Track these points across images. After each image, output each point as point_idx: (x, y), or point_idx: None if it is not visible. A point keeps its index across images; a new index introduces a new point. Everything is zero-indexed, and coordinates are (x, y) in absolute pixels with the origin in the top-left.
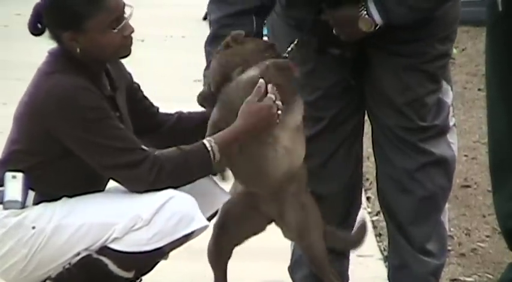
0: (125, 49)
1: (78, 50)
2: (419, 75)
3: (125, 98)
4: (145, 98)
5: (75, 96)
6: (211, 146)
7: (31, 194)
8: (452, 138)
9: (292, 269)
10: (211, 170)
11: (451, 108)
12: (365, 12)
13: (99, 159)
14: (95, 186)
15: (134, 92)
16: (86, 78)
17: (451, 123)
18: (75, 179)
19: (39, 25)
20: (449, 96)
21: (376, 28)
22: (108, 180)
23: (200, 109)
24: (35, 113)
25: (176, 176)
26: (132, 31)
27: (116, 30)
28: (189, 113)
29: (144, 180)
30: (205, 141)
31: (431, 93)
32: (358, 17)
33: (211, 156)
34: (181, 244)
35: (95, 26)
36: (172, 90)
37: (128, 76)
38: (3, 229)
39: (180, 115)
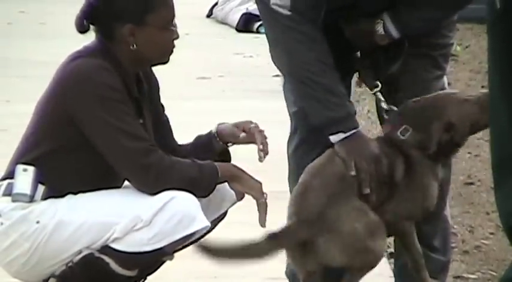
0: (169, 54)
1: (134, 45)
2: (426, 61)
3: (149, 111)
4: (171, 133)
5: (97, 74)
6: (219, 173)
7: (40, 188)
8: None
9: None
10: (209, 194)
11: None
12: (382, 29)
13: (109, 140)
14: (107, 184)
15: (162, 119)
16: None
17: None
18: (88, 174)
19: (85, 21)
20: (446, 84)
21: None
22: (123, 180)
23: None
24: (56, 95)
25: (182, 181)
26: (178, 37)
27: (172, 29)
28: (206, 140)
29: (150, 172)
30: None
31: (436, 79)
32: (374, 32)
33: (217, 181)
34: (183, 244)
35: (157, 21)
36: (176, 88)
37: (158, 97)
38: (9, 221)
39: (194, 144)
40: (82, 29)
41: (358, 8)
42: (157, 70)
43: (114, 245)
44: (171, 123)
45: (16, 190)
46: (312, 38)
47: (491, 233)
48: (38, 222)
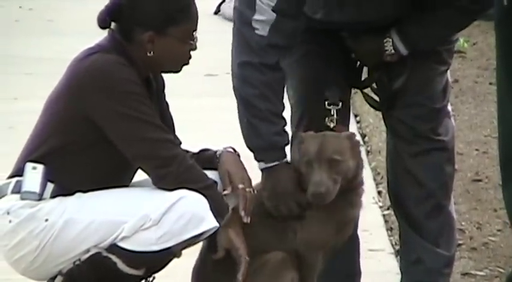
0: (182, 65)
1: (151, 53)
2: (431, 57)
3: (157, 110)
4: (174, 129)
5: (114, 69)
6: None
7: (49, 187)
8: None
9: None
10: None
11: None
12: (391, 48)
13: (127, 130)
14: (116, 182)
15: (167, 118)
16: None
17: (449, 107)
18: (97, 173)
19: (108, 18)
20: (449, 79)
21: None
22: (131, 178)
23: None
24: (71, 91)
25: (198, 184)
26: (196, 48)
27: (192, 42)
28: (208, 158)
29: (173, 165)
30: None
31: (440, 75)
32: (383, 51)
33: (222, 214)
34: (192, 244)
35: (178, 33)
36: (183, 85)
37: (163, 95)
38: (17, 219)
39: (197, 156)
40: (103, 25)
41: (364, 23)
42: None
43: (122, 244)
44: (178, 120)
45: (25, 188)
46: (270, 65)
47: (499, 230)
48: (46, 220)
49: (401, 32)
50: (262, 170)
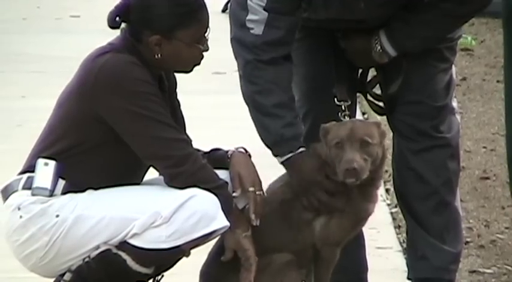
0: (192, 67)
1: (158, 55)
2: (430, 55)
3: (168, 108)
4: (185, 128)
5: (128, 69)
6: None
7: (61, 183)
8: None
9: None
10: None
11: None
12: (379, 47)
13: (140, 130)
14: (127, 180)
15: (178, 116)
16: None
17: (454, 104)
18: (108, 171)
19: (117, 18)
20: (454, 75)
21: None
22: (143, 176)
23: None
24: (84, 90)
25: (209, 184)
26: (208, 49)
27: (200, 46)
28: (219, 157)
29: (187, 163)
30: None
31: (443, 72)
32: (371, 50)
33: (231, 206)
34: (202, 243)
35: (186, 37)
36: (190, 83)
37: (175, 93)
38: (28, 215)
39: (208, 156)
40: (113, 25)
41: (353, 21)
42: None
43: (132, 241)
44: (185, 117)
45: (36, 184)
46: (266, 61)
47: (507, 228)
48: (57, 216)
49: (388, 32)
50: (282, 164)
